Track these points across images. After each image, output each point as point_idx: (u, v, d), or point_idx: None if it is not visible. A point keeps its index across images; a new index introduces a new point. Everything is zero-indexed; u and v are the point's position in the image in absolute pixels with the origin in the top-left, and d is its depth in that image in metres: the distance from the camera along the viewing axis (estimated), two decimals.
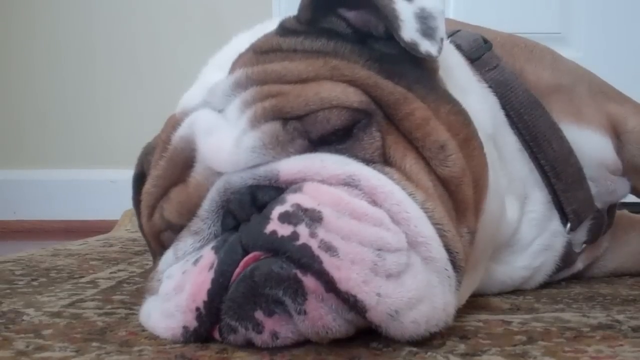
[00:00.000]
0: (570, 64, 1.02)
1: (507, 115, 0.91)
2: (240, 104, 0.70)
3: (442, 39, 0.74)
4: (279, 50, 0.74)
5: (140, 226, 0.84)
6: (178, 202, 0.72)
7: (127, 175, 0.89)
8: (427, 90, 0.73)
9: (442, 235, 0.67)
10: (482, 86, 0.90)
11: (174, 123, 0.75)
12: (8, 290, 0.96)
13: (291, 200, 0.64)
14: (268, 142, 0.67)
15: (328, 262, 0.60)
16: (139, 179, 0.82)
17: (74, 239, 1.73)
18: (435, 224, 0.67)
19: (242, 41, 0.79)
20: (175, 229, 0.72)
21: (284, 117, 0.68)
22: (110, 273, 1.13)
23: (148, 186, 0.75)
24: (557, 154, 0.91)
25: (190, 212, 0.71)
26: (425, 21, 0.73)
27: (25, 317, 0.79)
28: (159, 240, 0.76)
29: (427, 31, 0.73)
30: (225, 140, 0.68)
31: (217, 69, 0.77)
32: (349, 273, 0.60)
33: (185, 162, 0.72)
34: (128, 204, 0.89)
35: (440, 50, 0.74)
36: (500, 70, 0.92)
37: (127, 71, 2.69)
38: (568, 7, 2.37)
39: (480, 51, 0.93)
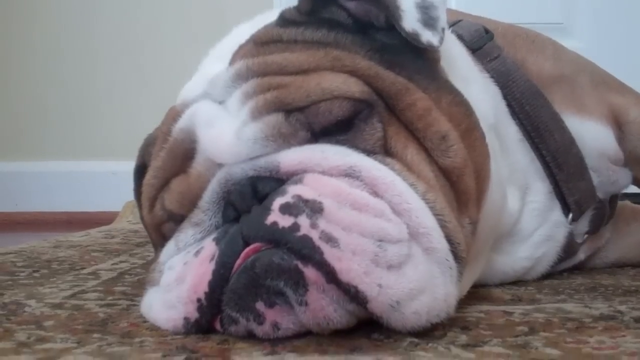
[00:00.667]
0: (572, 55, 1.02)
1: (509, 105, 0.90)
2: (241, 95, 0.70)
3: (443, 29, 0.74)
4: (280, 41, 0.73)
5: (142, 218, 0.84)
6: (179, 193, 0.72)
7: (128, 166, 0.89)
8: (429, 80, 0.73)
9: (443, 226, 0.67)
10: (484, 76, 0.90)
11: (174, 114, 0.75)
12: (9, 282, 0.96)
13: (292, 191, 0.64)
14: (270, 133, 0.67)
15: (329, 253, 0.60)
16: (141, 171, 0.82)
17: (76, 230, 1.73)
18: (436, 214, 0.67)
19: (242, 32, 0.79)
20: (177, 219, 0.72)
21: (285, 109, 0.68)
22: (112, 264, 1.13)
23: (148, 177, 0.75)
24: (558, 144, 0.91)
25: (191, 202, 0.71)
26: (426, 11, 0.73)
27: (26, 309, 0.79)
28: (160, 231, 0.76)
29: (429, 21, 0.73)
30: (226, 132, 0.68)
31: (217, 60, 0.77)
32: (350, 264, 0.60)
33: (185, 154, 0.72)
34: (129, 195, 0.89)
35: (441, 40, 0.73)
36: (502, 60, 0.91)
37: (128, 63, 2.69)
38: None
39: (481, 41, 0.92)
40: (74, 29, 2.69)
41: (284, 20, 0.76)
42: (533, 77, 0.92)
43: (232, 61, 0.74)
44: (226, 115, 0.70)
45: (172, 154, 0.73)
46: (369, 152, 0.68)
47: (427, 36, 0.72)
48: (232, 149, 0.67)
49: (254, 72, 0.70)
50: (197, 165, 0.71)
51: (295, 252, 0.61)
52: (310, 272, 0.60)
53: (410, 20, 0.72)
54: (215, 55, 0.81)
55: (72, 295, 0.86)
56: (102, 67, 2.69)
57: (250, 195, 0.66)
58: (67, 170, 2.65)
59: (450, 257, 0.66)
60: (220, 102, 0.71)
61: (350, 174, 0.66)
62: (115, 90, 2.69)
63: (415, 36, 0.72)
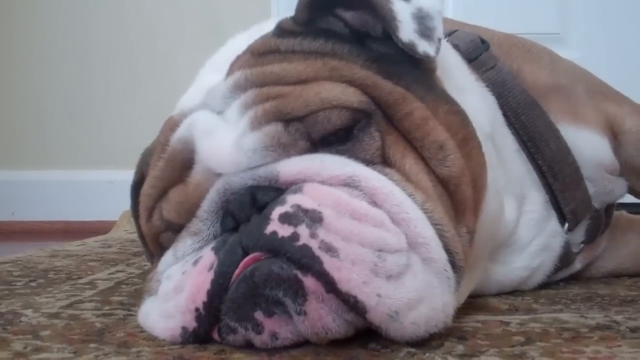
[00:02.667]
0: (568, 64, 1.02)
1: (505, 115, 0.90)
2: (240, 105, 0.70)
3: (439, 39, 0.74)
4: (277, 51, 0.74)
5: (139, 228, 0.83)
6: (177, 203, 0.72)
7: (126, 176, 0.89)
8: (426, 90, 0.73)
9: (441, 235, 0.67)
10: (480, 86, 0.90)
11: (172, 125, 0.75)
12: (6, 292, 0.95)
13: (291, 200, 0.64)
14: (269, 143, 0.67)
15: (328, 263, 0.60)
16: (138, 187, 0.80)
17: (73, 239, 1.72)
18: (434, 224, 0.67)
19: (239, 42, 0.79)
20: (175, 229, 0.72)
21: (284, 119, 0.68)
22: (109, 274, 1.13)
23: (146, 187, 0.75)
24: (554, 154, 0.91)
25: (189, 212, 0.71)
26: (422, 21, 0.73)
27: (23, 318, 0.79)
28: (158, 241, 0.76)
29: (425, 32, 0.73)
30: (226, 141, 0.68)
31: (215, 71, 0.77)
32: (349, 274, 0.60)
33: (183, 163, 0.72)
34: (126, 204, 0.89)
35: (438, 50, 0.74)
36: (498, 70, 0.91)
37: (126, 72, 2.69)
38: (567, 8, 2.37)
39: (477, 51, 0.92)
40: (72, 39, 2.70)
41: (282, 30, 0.76)
42: (529, 87, 0.92)
43: (230, 72, 0.74)
44: (225, 125, 0.70)
45: (170, 163, 0.73)
46: (368, 162, 0.69)
47: (424, 47, 0.73)
48: (232, 159, 0.68)
49: (253, 83, 0.70)
50: (196, 175, 0.71)
51: (295, 262, 0.61)
52: (309, 282, 0.60)
53: (406, 30, 0.72)
54: (212, 66, 0.81)
55: (69, 305, 0.86)
56: (100, 77, 2.70)
57: (250, 204, 0.66)
58: (64, 179, 2.64)
59: (449, 267, 0.66)
60: (219, 113, 0.71)
61: (349, 184, 0.66)
62: (113, 99, 2.70)
63: (411, 47, 0.72)
